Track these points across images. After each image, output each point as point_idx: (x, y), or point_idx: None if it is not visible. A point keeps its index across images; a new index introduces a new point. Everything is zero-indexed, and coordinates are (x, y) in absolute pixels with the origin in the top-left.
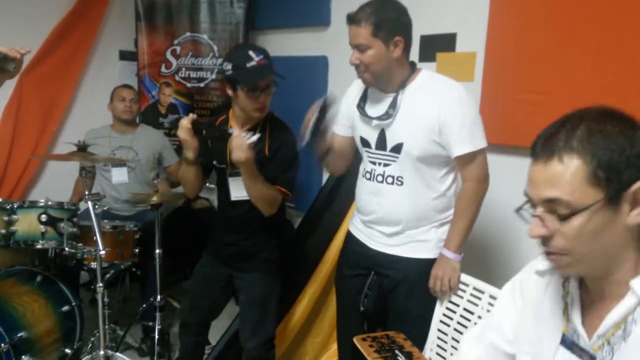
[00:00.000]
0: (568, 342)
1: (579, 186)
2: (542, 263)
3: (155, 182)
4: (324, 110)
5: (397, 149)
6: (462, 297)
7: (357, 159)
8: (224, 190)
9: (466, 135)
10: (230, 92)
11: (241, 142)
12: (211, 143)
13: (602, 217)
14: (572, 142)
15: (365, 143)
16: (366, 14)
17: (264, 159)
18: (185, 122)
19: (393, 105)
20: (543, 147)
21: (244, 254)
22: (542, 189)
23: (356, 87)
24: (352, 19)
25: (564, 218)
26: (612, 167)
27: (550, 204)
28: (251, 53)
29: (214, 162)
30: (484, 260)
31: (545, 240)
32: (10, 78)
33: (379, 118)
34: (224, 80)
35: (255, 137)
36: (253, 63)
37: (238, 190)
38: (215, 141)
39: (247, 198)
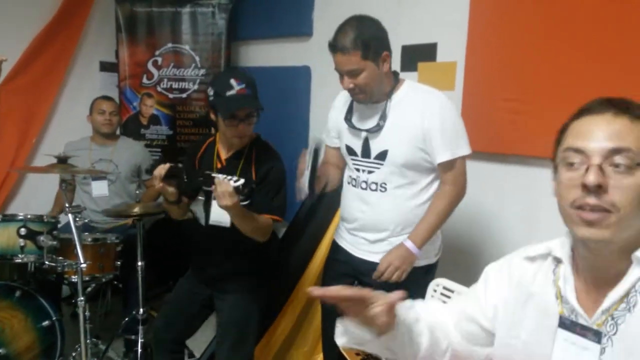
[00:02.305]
0: (567, 323)
1: None
2: (532, 249)
3: (138, 192)
4: (315, 158)
5: (382, 156)
6: (446, 304)
7: None
8: (207, 212)
9: (449, 143)
10: (213, 116)
11: (225, 189)
12: (198, 165)
13: None
14: None
15: (350, 151)
16: (351, 39)
17: (253, 182)
18: (158, 172)
19: (383, 117)
20: (611, 105)
21: (227, 275)
22: (609, 139)
23: (342, 98)
24: (337, 48)
25: (629, 168)
26: None
27: (614, 156)
28: (232, 81)
29: (202, 186)
30: (467, 266)
31: (596, 192)
32: None
33: (369, 130)
34: (206, 97)
35: (240, 182)
36: (233, 92)
37: (219, 216)
38: (203, 164)
39: (226, 225)
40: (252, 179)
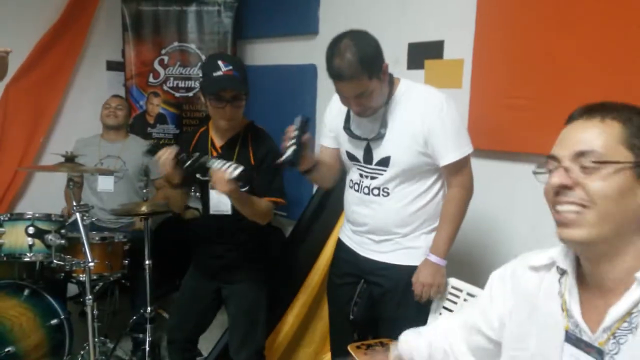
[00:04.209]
0: (573, 339)
1: (613, 143)
2: (536, 258)
3: (145, 191)
4: (304, 126)
5: (385, 162)
6: (455, 303)
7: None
8: (206, 202)
9: (452, 143)
10: (203, 100)
11: (221, 176)
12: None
13: (626, 179)
14: (616, 109)
15: (352, 157)
16: (355, 64)
17: (251, 169)
18: (167, 156)
19: (384, 124)
20: (586, 111)
21: (231, 266)
22: (576, 144)
23: (338, 103)
24: (343, 76)
25: (591, 168)
26: None
27: (580, 158)
28: (220, 63)
29: (197, 175)
30: (474, 264)
31: (565, 191)
32: None
33: (372, 140)
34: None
35: (238, 171)
36: (219, 73)
37: (218, 205)
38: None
39: (227, 212)
40: (250, 164)
